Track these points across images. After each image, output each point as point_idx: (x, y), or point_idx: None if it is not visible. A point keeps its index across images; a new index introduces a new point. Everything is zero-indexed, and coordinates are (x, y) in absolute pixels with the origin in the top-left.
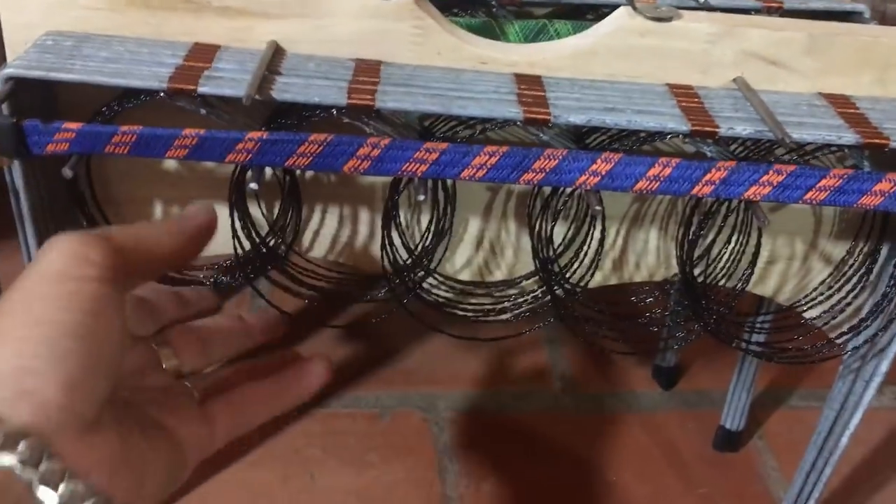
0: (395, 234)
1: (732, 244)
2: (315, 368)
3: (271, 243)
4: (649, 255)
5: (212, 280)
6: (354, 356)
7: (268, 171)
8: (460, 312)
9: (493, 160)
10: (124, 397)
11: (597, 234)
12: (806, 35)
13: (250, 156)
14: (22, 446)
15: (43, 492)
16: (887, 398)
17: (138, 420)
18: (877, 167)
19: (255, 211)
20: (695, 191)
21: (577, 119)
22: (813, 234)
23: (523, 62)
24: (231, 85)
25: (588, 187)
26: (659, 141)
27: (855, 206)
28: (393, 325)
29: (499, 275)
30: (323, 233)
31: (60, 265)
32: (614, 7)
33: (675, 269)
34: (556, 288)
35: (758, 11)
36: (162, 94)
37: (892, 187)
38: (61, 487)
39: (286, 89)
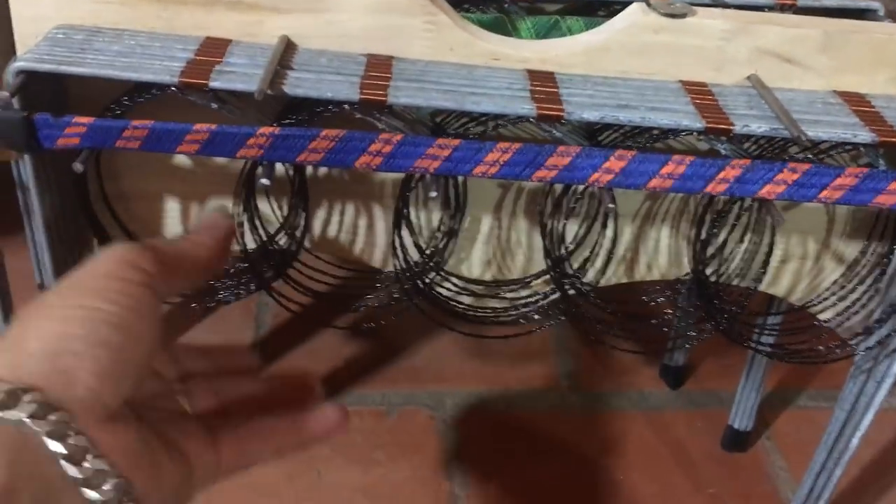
0: (405, 232)
1: (745, 243)
2: (332, 415)
3: (281, 241)
4: (661, 255)
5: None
6: (361, 354)
7: (278, 167)
8: (468, 311)
9: (506, 157)
10: (140, 409)
11: (609, 233)
12: (821, 32)
13: (262, 151)
14: (52, 418)
15: (67, 465)
16: None
17: (154, 428)
18: (892, 166)
19: (264, 207)
20: (709, 189)
21: (591, 116)
22: (826, 234)
23: (536, 58)
24: (243, 80)
25: (601, 185)
26: (672, 138)
27: (870, 204)
28: (400, 323)
29: (509, 273)
30: (331, 230)
31: (110, 266)
32: (626, 3)
33: (686, 268)
34: (567, 287)
35: (771, 8)
36: (173, 89)
37: None
38: (85, 463)
39: (298, 84)
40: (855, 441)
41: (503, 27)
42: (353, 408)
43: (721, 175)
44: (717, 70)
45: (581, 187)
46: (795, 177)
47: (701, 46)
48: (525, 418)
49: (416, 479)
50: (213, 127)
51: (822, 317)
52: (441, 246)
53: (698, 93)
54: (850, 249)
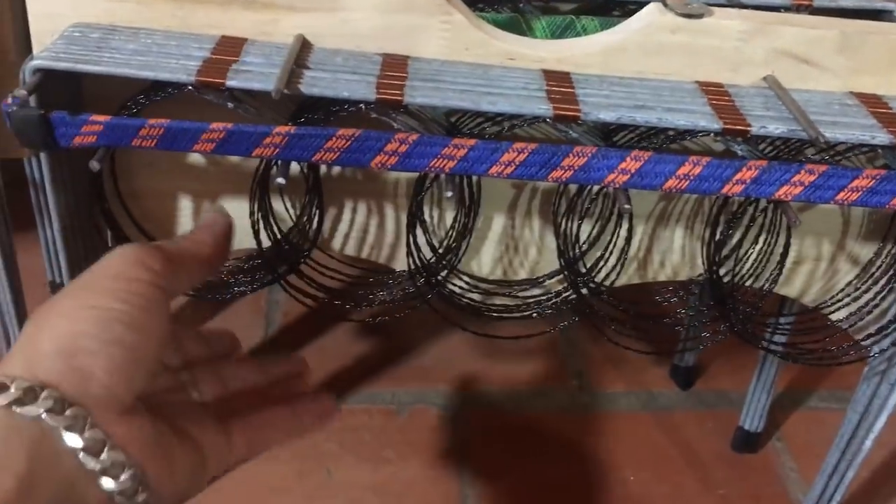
0: (419, 231)
1: (760, 244)
2: (326, 402)
3: (294, 239)
4: (674, 255)
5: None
6: (371, 352)
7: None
8: (481, 308)
9: (522, 157)
10: (152, 401)
11: (623, 233)
12: (838, 33)
13: (277, 150)
14: (69, 413)
15: (85, 458)
16: None
17: (167, 420)
18: None
19: (277, 206)
20: (725, 190)
21: (608, 116)
22: (841, 235)
23: (551, 58)
24: (259, 79)
25: (617, 185)
26: (688, 139)
27: (887, 206)
28: (410, 322)
29: (522, 273)
30: (345, 229)
31: (119, 266)
32: (641, 4)
33: (699, 268)
34: (580, 286)
35: (787, 9)
36: (190, 88)
37: None
38: (102, 455)
39: (314, 83)
40: (868, 443)
41: (518, 27)
42: (362, 406)
43: (737, 176)
44: (734, 71)
45: (595, 187)
46: (812, 178)
47: (718, 47)
48: (534, 418)
49: (425, 478)
50: (230, 126)
51: (835, 318)
52: (455, 245)
53: (715, 93)
54: (865, 251)
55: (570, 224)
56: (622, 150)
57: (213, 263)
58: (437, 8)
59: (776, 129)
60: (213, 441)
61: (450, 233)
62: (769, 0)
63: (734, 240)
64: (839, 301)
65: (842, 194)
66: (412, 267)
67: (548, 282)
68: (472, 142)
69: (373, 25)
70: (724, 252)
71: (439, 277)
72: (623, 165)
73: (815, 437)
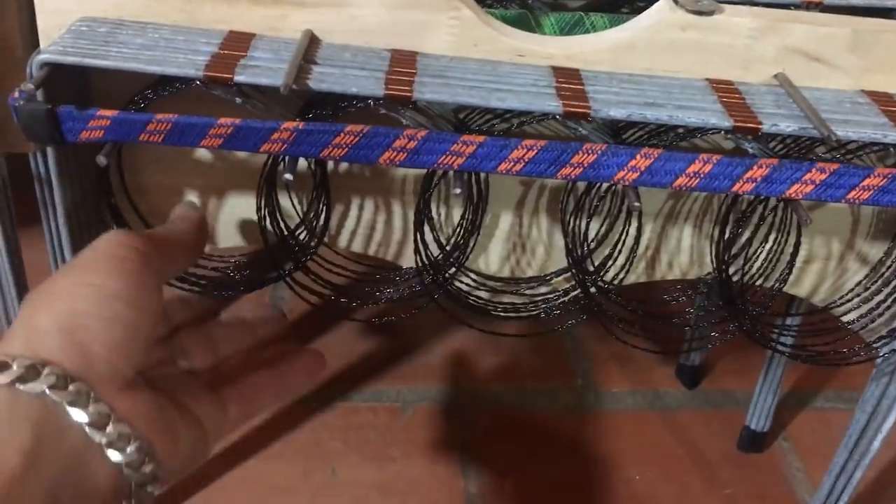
0: (426, 229)
1: (770, 243)
2: (312, 360)
3: (301, 236)
4: (682, 254)
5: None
6: (376, 350)
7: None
8: (487, 306)
9: (531, 154)
10: (149, 376)
11: (632, 232)
12: (850, 31)
13: (285, 146)
14: (72, 388)
15: (91, 431)
16: None
17: (166, 394)
18: None
19: (284, 202)
20: (735, 188)
21: (618, 113)
22: (850, 234)
23: (560, 55)
24: (268, 74)
25: (626, 183)
26: (698, 137)
27: None
28: (415, 320)
29: (530, 271)
30: (352, 225)
31: (111, 248)
32: (650, 1)
33: (708, 267)
34: (588, 285)
35: (797, 6)
36: (198, 83)
37: None
38: (108, 428)
39: (323, 79)
40: (876, 444)
41: (526, 23)
42: (367, 404)
43: (748, 174)
44: (744, 68)
45: (604, 186)
46: (823, 177)
47: (728, 44)
48: (539, 416)
49: (430, 477)
50: (237, 121)
51: (845, 318)
52: (462, 242)
53: (725, 91)
54: (875, 250)
55: (578, 222)
56: (632, 148)
57: (195, 251)
58: (445, 4)
59: (787, 126)
60: (209, 412)
61: (457, 230)
62: None
63: (743, 239)
64: (849, 301)
65: (853, 193)
66: (420, 264)
67: (555, 280)
68: (481, 139)
69: (381, 21)
70: (734, 251)
71: (447, 275)
72: (633, 163)
73: (822, 437)
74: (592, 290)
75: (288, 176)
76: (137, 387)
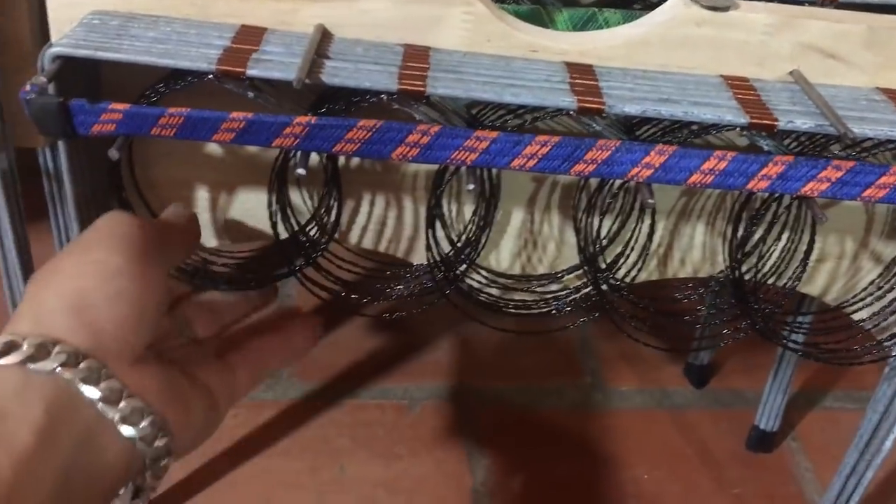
0: (437, 225)
1: (783, 241)
2: (311, 322)
3: (312, 231)
4: (695, 251)
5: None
6: (384, 347)
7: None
8: (499, 303)
9: (545, 150)
10: (157, 349)
11: (645, 229)
12: (866, 28)
13: (298, 141)
14: (83, 365)
15: (104, 407)
16: None
17: (175, 366)
18: None
19: (295, 197)
20: (750, 185)
21: (632, 109)
22: (864, 233)
23: (574, 50)
24: (280, 68)
25: (640, 180)
26: (713, 134)
27: None
28: (423, 317)
29: (541, 268)
30: (363, 221)
31: (112, 226)
32: None
33: (720, 265)
34: (601, 282)
35: (812, 3)
36: (210, 77)
37: None
38: (121, 403)
39: (336, 73)
40: (888, 444)
41: (539, 19)
42: (375, 401)
43: (763, 171)
44: (759, 65)
45: (616, 183)
46: (839, 174)
47: (744, 41)
48: (547, 415)
49: (438, 474)
50: (250, 115)
51: (857, 317)
52: (474, 238)
53: (740, 88)
54: (890, 249)
55: (590, 219)
56: (646, 144)
57: (189, 240)
58: None
59: (803, 123)
60: (219, 381)
61: (469, 227)
62: None
63: (756, 237)
64: (862, 300)
65: (869, 191)
66: (432, 261)
67: (566, 277)
68: (495, 134)
69: (393, 16)
70: (747, 249)
71: (458, 272)
72: (647, 160)
73: (831, 437)
74: (604, 287)
75: (301, 171)
76: (147, 361)
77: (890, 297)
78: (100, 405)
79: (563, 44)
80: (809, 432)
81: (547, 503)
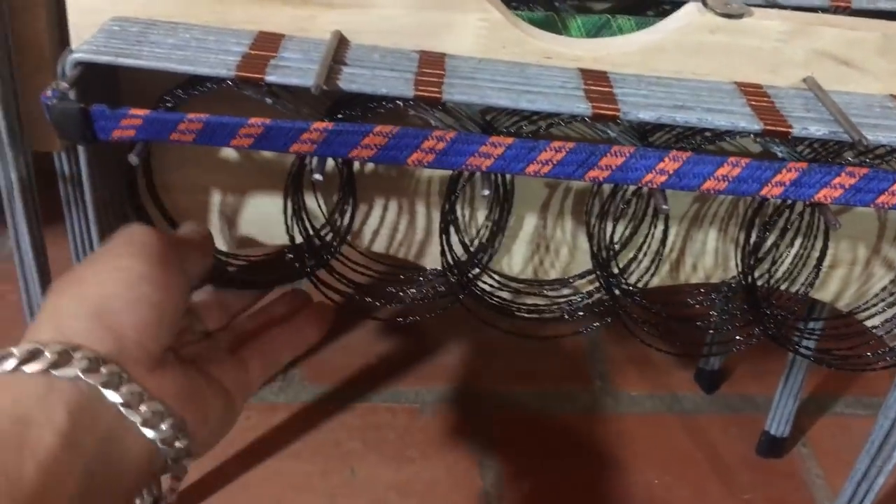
0: (451, 230)
1: (796, 247)
2: (321, 311)
3: (327, 235)
4: (707, 257)
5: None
6: (395, 351)
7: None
8: (511, 307)
9: (559, 156)
10: (175, 349)
11: (658, 234)
12: (880, 35)
13: (315, 146)
14: (104, 370)
15: (126, 411)
16: None
17: (193, 365)
18: None
19: (309, 201)
20: (764, 192)
21: (647, 116)
22: (876, 239)
23: (588, 57)
24: (298, 74)
25: (654, 186)
26: (727, 140)
27: None
28: (434, 321)
29: (553, 273)
30: (375, 225)
31: (133, 236)
32: (675, 3)
33: (732, 271)
34: (613, 288)
35: (825, 10)
36: (229, 83)
37: None
38: (142, 407)
39: (353, 80)
40: None
41: (553, 25)
42: (386, 405)
43: (777, 178)
44: (773, 72)
45: (630, 188)
46: (853, 181)
47: (758, 47)
48: (558, 419)
49: (448, 478)
50: (268, 121)
51: (869, 323)
52: (487, 243)
53: (754, 94)
54: None
55: (603, 225)
56: (660, 151)
57: (206, 256)
58: (474, 5)
59: (817, 130)
60: (233, 378)
61: (482, 231)
62: (807, 1)
63: (769, 242)
64: (874, 306)
65: (882, 197)
66: (445, 265)
67: (579, 282)
68: (510, 140)
69: (409, 22)
70: (759, 255)
71: (471, 276)
72: (661, 166)
73: (842, 443)
74: (617, 292)
75: (318, 176)
76: (166, 364)
77: None
78: (121, 409)
79: (578, 50)
80: (820, 438)
81: None
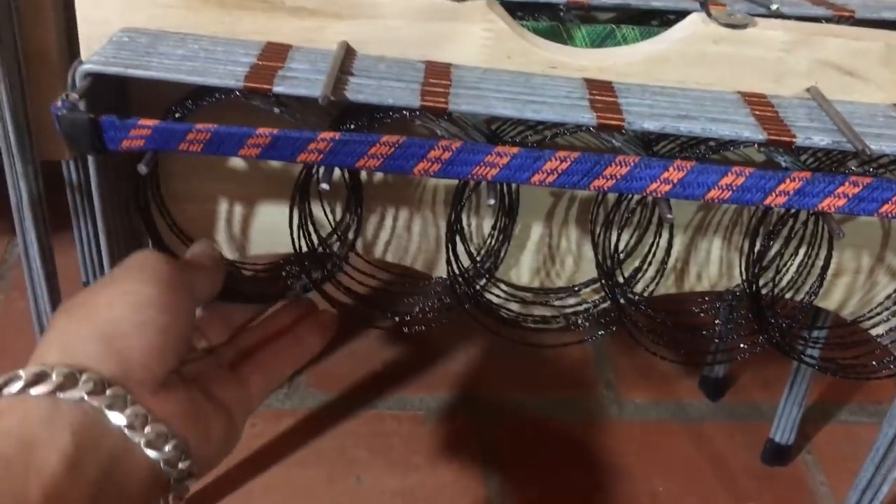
0: (457, 239)
1: (800, 256)
2: (325, 319)
3: (334, 245)
4: (712, 265)
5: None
6: (400, 358)
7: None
8: (518, 317)
9: (565, 166)
10: (179, 369)
11: (662, 243)
12: (883, 45)
13: (322, 156)
14: (109, 392)
15: (129, 433)
16: None
17: (195, 385)
18: None
19: (316, 211)
20: (768, 201)
21: (651, 126)
22: (880, 248)
23: (593, 67)
24: (305, 85)
25: (659, 195)
26: (731, 150)
27: None
28: (439, 328)
29: (559, 282)
30: (382, 234)
31: (143, 261)
32: (679, 13)
33: (737, 279)
34: (618, 296)
35: (828, 20)
36: (238, 93)
37: None
38: (146, 429)
39: (360, 90)
40: None
41: (558, 36)
42: (391, 412)
43: (781, 187)
44: (777, 82)
45: (634, 198)
46: (856, 190)
47: (761, 57)
48: (563, 426)
49: (454, 485)
50: (275, 131)
51: (874, 332)
52: (493, 252)
53: (758, 104)
54: None
55: (608, 234)
56: (665, 160)
57: (216, 281)
58: (480, 16)
59: (821, 140)
60: (235, 396)
61: (488, 241)
62: (810, 11)
63: (773, 251)
64: (878, 315)
65: (886, 206)
66: (451, 275)
67: (584, 291)
68: (515, 150)
69: (416, 33)
70: (763, 264)
71: (477, 286)
72: (666, 175)
73: (846, 450)
74: (622, 301)
75: (325, 186)
76: (170, 386)
77: None
78: (126, 431)
79: (583, 60)
80: (825, 446)
81: None
